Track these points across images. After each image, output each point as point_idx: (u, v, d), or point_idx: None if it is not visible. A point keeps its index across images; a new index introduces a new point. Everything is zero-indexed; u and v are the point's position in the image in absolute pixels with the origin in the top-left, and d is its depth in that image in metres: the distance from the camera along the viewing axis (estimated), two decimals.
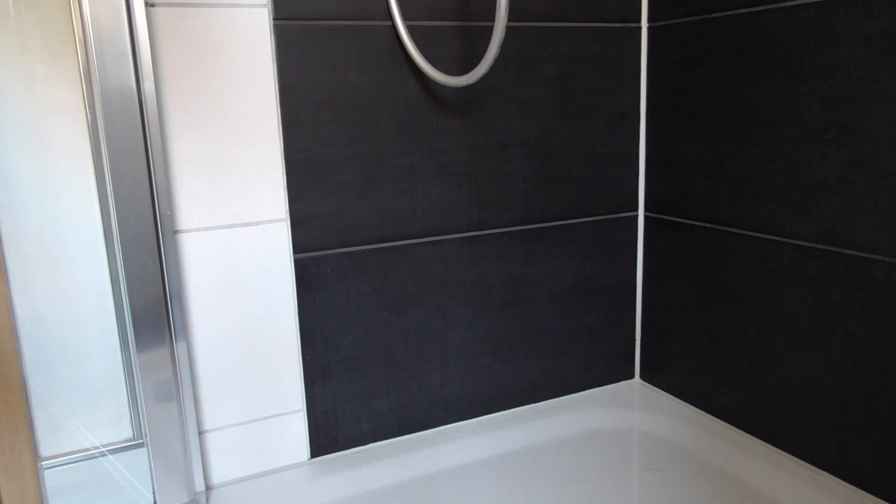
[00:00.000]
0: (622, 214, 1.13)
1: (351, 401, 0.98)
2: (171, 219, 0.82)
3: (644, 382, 1.19)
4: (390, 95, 0.93)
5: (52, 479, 0.83)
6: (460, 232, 1.01)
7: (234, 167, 0.87)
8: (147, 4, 0.78)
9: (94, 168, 0.81)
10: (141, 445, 0.87)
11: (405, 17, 0.91)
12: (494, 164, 1.01)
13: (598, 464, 0.99)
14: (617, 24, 1.06)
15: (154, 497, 0.87)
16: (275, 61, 0.86)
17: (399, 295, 0.98)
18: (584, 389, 1.16)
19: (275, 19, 0.85)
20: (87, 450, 0.85)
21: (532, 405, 1.12)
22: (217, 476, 0.93)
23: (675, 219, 1.07)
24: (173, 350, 0.82)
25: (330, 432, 0.98)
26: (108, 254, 0.83)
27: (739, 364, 0.99)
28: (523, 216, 1.05)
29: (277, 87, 0.87)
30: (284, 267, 0.91)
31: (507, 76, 0.99)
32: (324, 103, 0.89)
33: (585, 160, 1.08)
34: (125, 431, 0.88)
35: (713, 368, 1.04)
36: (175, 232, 0.85)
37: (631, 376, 1.20)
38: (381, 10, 0.90)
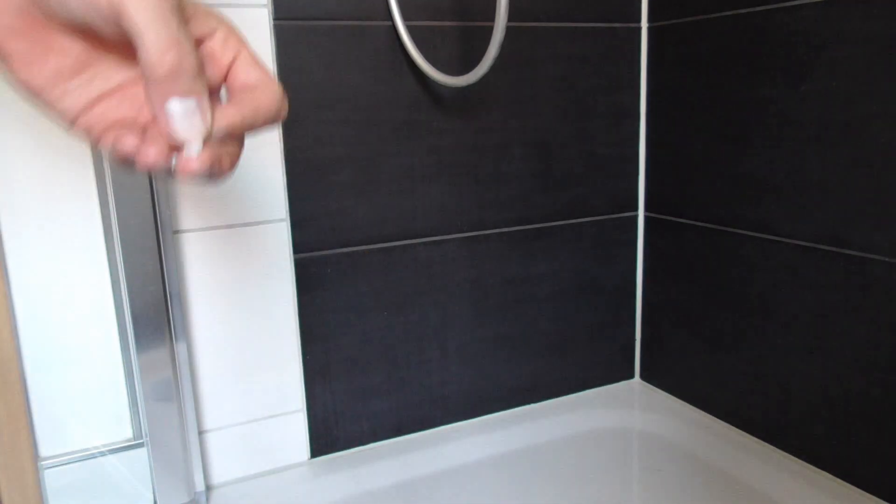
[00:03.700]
0: (622, 214, 1.13)
1: (351, 401, 0.98)
2: (171, 219, 0.82)
3: (644, 382, 1.19)
4: (390, 95, 0.93)
5: (52, 479, 0.83)
6: (460, 232, 1.01)
7: None
8: None
9: (94, 168, 0.81)
10: (141, 445, 0.87)
11: (405, 17, 0.91)
12: (494, 164, 1.01)
13: (598, 464, 0.99)
14: (617, 24, 1.06)
15: (154, 497, 0.87)
16: (275, 61, 0.86)
17: (399, 295, 0.98)
18: (584, 389, 1.16)
19: (275, 19, 0.85)
20: (87, 450, 0.85)
21: (532, 405, 1.12)
22: (217, 476, 0.93)
23: (675, 219, 1.07)
24: (173, 350, 0.82)
25: (330, 432, 0.98)
26: (108, 254, 0.83)
27: (739, 364, 0.99)
28: (523, 216, 1.05)
29: None
30: (284, 267, 0.91)
31: (507, 76, 0.99)
32: (324, 103, 0.89)
33: (585, 160, 1.08)
34: (125, 431, 0.88)
35: (713, 368, 1.04)
36: (175, 232, 0.85)
37: (631, 376, 1.20)
38: (381, 10, 0.90)
